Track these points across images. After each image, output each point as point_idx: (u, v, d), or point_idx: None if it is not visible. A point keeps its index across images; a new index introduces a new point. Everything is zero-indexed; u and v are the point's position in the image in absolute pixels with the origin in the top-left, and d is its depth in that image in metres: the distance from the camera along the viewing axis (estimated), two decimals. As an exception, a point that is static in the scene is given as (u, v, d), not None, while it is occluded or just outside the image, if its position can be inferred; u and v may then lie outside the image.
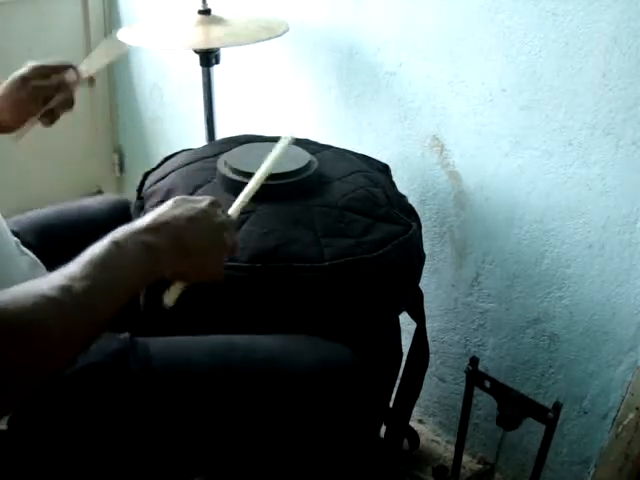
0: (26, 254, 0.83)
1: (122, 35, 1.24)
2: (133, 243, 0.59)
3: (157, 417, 0.69)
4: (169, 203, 0.66)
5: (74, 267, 0.55)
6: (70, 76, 0.94)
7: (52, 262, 0.84)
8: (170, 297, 0.67)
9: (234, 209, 0.76)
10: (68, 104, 0.95)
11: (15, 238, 0.81)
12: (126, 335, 0.74)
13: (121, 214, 1.06)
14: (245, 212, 0.92)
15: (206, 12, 1.29)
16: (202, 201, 0.68)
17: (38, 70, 0.92)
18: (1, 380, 0.49)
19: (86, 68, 0.97)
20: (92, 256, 0.56)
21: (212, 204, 0.68)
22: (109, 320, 0.57)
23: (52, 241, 0.93)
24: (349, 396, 0.77)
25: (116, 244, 0.58)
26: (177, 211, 0.65)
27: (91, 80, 0.99)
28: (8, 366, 0.48)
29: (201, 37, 1.25)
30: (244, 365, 0.74)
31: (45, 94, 0.91)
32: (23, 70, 0.91)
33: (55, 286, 0.52)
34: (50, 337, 0.51)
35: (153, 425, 0.69)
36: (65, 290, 0.52)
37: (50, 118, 0.93)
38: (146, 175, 1.07)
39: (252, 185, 0.80)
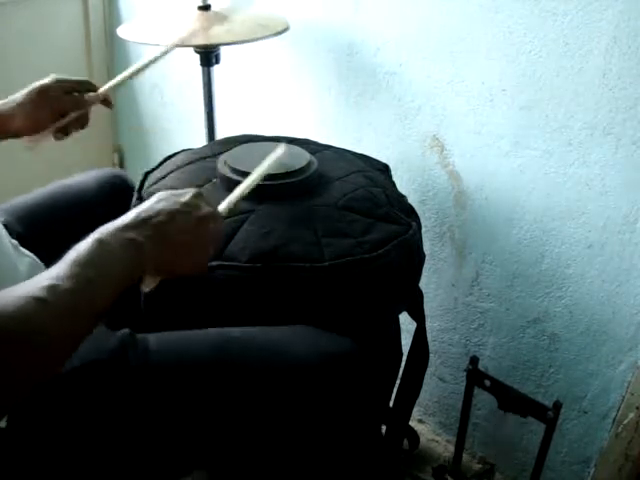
0: (26, 255, 0.83)
1: (122, 32, 1.24)
2: (117, 241, 0.59)
3: (156, 412, 0.69)
4: (153, 199, 0.66)
5: (60, 267, 0.55)
6: (90, 96, 0.94)
7: (45, 249, 0.84)
8: (147, 284, 0.66)
9: (223, 207, 0.75)
10: (82, 122, 0.95)
11: (14, 241, 0.81)
12: (126, 331, 0.74)
13: (117, 191, 1.05)
14: (245, 212, 0.92)
15: (206, 8, 1.29)
16: (185, 194, 0.67)
17: (60, 83, 0.92)
18: None
19: (106, 88, 0.96)
20: (77, 255, 0.56)
21: (195, 197, 0.68)
22: (98, 318, 0.57)
23: (43, 227, 0.93)
24: (350, 385, 0.76)
25: (100, 242, 0.58)
26: (160, 206, 0.65)
27: (107, 101, 0.97)
28: (2, 372, 0.48)
29: (201, 34, 1.25)
30: (242, 357, 0.74)
31: (62, 108, 0.91)
32: (45, 80, 0.91)
33: (42, 287, 0.52)
34: (42, 339, 0.51)
35: (152, 420, 0.69)
36: (52, 290, 0.52)
37: (63, 133, 0.93)
38: (146, 175, 1.07)
39: (245, 185, 0.79)
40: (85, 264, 0.56)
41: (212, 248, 0.69)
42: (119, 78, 0.99)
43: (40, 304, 0.51)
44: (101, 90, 0.95)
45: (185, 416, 0.70)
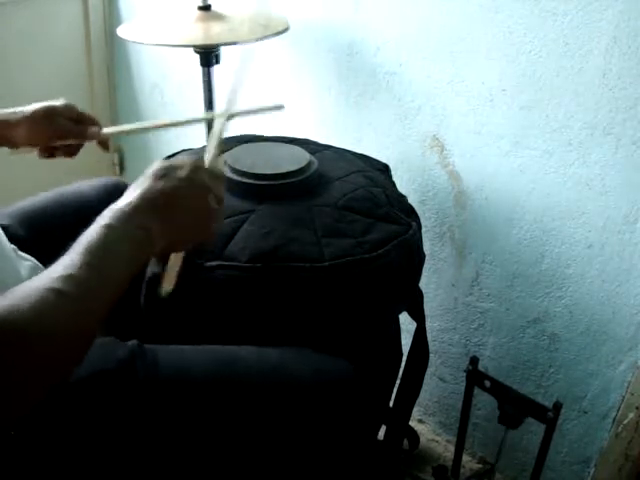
0: (26, 259, 0.83)
1: (122, 32, 1.24)
2: (125, 225, 0.59)
3: (160, 424, 0.69)
4: (150, 175, 0.65)
5: (72, 256, 0.54)
6: (92, 131, 0.94)
7: (47, 253, 0.84)
8: (167, 283, 0.67)
9: (209, 159, 0.75)
10: (71, 152, 0.95)
11: (13, 245, 0.81)
12: (134, 342, 0.73)
13: (114, 198, 1.06)
14: (245, 212, 0.92)
15: (206, 8, 1.29)
16: (183, 168, 0.67)
17: (69, 109, 0.92)
18: (18, 386, 0.48)
19: (109, 131, 0.96)
20: (88, 243, 0.55)
21: (194, 170, 0.67)
22: (112, 307, 0.56)
23: (44, 232, 0.93)
24: (346, 408, 0.78)
25: (109, 228, 0.57)
26: (160, 185, 0.64)
27: (105, 144, 0.97)
28: (24, 371, 0.48)
29: (201, 33, 1.25)
30: (245, 377, 0.75)
31: (63, 132, 0.91)
32: (58, 103, 0.91)
33: (57, 278, 0.51)
34: (62, 331, 0.50)
35: (156, 432, 0.69)
36: (68, 280, 0.51)
37: (49, 154, 0.94)
38: (146, 175, 1.07)
39: (219, 126, 0.79)
40: (97, 251, 0.55)
41: (217, 215, 0.69)
42: (127, 128, 1.00)
43: (58, 296, 0.50)
44: (105, 130, 0.95)
45: (186, 430, 0.70)
